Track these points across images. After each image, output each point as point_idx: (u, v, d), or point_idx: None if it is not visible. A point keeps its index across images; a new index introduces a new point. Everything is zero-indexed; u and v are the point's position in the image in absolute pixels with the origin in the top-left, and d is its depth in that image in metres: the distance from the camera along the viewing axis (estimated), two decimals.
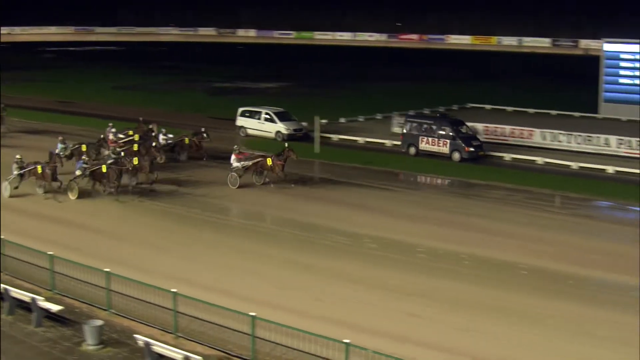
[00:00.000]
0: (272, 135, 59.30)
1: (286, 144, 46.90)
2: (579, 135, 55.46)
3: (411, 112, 62.62)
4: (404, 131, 55.66)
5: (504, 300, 28.88)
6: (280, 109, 61.81)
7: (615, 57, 68.51)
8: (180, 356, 22.66)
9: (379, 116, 68.87)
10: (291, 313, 26.55)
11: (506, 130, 58.70)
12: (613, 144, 54.41)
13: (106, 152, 46.34)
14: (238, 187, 44.23)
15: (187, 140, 51.04)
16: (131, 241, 35.35)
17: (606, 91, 69.13)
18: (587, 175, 49.33)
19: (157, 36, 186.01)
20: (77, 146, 47.75)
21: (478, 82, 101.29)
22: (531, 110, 72.84)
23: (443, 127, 53.47)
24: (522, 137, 57.87)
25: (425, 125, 54.39)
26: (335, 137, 60.15)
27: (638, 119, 65.47)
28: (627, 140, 54.00)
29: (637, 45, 68.09)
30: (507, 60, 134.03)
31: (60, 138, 48.39)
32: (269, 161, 44.54)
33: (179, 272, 30.75)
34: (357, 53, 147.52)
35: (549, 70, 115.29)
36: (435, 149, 53.47)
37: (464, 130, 54.19)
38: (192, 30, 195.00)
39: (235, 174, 44.48)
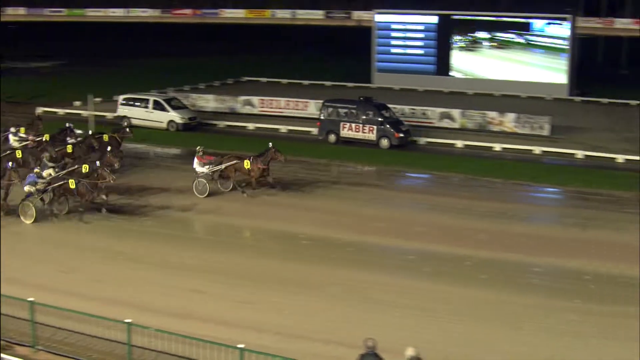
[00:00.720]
0: (164, 125, 55.04)
1: (270, 144, 39.72)
2: None
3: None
4: (322, 117, 52.37)
5: (287, 271, 29.12)
6: (170, 96, 58.28)
7: (386, 27, 70.50)
8: None
9: (154, 92, 67.89)
10: (71, 296, 25.92)
11: (281, 102, 59.38)
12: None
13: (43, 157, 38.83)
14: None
15: (105, 137, 43.28)
16: None
17: (378, 61, 71.07)
18: (362, 144, 50.30)
19: None
20: (9, 152, 39.68)
21: (253, 55, 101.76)
22: (306, 82, 73.72)
23: (367, 112, 50.63)
24: (297, 109, 58.67)
25: (345, 110, 51.44)
26: (110, 114, 58.04)
27: (409, 87, 67.64)
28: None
29: (407, 16, 70.10)
30: (282, 33, 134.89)
31: None
32: (247, 164, 38.89)
33: None
34: (131, 29, 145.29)
35: (323, 42, 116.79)
36: (359, 135, 50.68)
37: (387, 114, 51.40)
38: None
39: (204, 181, 38.77)
